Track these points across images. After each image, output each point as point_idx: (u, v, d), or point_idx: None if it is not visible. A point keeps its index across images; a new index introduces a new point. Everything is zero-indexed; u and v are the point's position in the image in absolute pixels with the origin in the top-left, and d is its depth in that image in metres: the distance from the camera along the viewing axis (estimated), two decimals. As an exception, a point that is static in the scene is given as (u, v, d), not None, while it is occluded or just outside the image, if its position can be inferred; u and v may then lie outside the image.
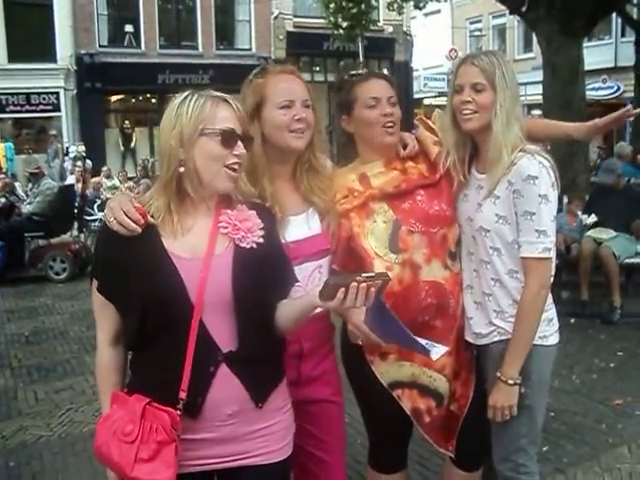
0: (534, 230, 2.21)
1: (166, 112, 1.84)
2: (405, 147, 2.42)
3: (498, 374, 2.26)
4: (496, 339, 2.33)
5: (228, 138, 1.82)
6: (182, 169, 1.80)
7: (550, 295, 2.35)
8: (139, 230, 1.80)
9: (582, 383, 4.90)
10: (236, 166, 1.84)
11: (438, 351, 2.01)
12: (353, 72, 2.44)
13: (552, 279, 2.33)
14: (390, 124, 2.33)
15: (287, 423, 1.98)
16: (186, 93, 1.85)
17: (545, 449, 3.81)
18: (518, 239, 2.25)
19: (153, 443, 1.72)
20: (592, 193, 7.48)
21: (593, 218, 6.85)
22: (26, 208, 9.70)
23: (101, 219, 11.86)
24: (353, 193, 2.35)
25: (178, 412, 1.75)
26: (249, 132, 1.92)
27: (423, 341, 2.04)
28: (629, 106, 2.49)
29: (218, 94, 1.86)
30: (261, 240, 1.88)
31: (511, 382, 2.25)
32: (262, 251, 1.87)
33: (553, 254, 2.25)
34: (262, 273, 1.85)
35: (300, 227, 2.23)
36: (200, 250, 1.82)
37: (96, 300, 1.91)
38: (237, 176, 1.87)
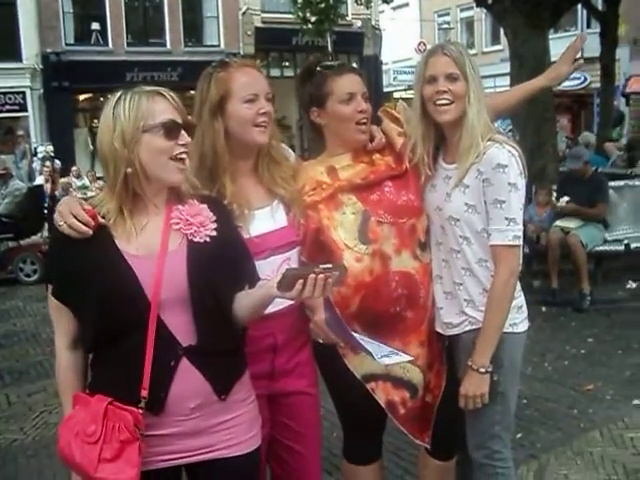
0: (504, 218, 2.23)
1: (102, 115, 1.83)
2: (372, 140, 2.42)
3: (469, 363, 2.28)
4: (467, 328, 2.35)
5: (170, 129, 1.81)
6: (129, 169, 1.79)
7: (519, 283, 2.38)
8: (90, 232, 1.79)
9: (554, 370, 4.97)
10: (183, 155, 1.85)
11: (398, 359, 2.05)
12: (325, 63, 2.41)
13: (521, 267, 2.36)
14: (364, 120, 2.33)
15: (252, 414, 1.99)
16: (119, 93, 1.84)
17: (519, 436, 3.86)
18: (488, 227, 2.27)
19: (116, 442, 1.72)
20: (560, 181, 7.59)
21: (565, 199, 6.94)
22: None
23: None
24: (321, 185, 2.35)
25: (140, 410, 1.75)
26: (189, 120, 1.91)
27: (388, 348, 2.07)
28: (581, 33, 2.57)
29: (150, 88, 1.85)
30: (214, 233, 1.88)
31: (482, 370, 2.26)
32: (216, 244, 1.87)
33: (521, 241, 2.28)
34: (217, 266, 1.86)
35: (265, 220, 2.23)
36: (154, 248, 1.82)
37: (52, 304, 1.90)
38: (185, 167, 1.87)
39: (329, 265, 1.77)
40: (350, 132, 2.35)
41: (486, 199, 2.26)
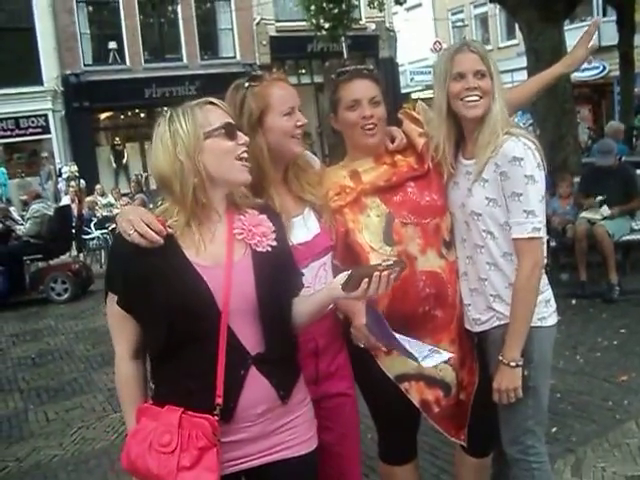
0: (522, 211, 2.24)
1: (157, 136, 1.85)
2: (393, 141, 2.44)
3: (500, 357, 2.28)
4: (496, 324, 2.36)
5: (230, 130, 1.86)
6: (196, 179, 1.81)
7: (545, 276, 2.38)
8: (161, 241, 1.80)
9: (586, 362, 4.93)
10: (245, 155, 1.89)
11: (439, 358, 2.05)
12: (340, 70, 2.45)
13: (548, 260, 2.36)
14: (370, 126, 2.35)
15: (309, 415, 2.03)
16: (168, 113, 1.86)
17: (554, 430, 3.84)
18: (508, 221, 2.28)
19: (194, 450, 1.74)
20: (585, 174, 7.49)
21: (607, 210, 6.80)
22: (20, 231, 9.74)
23: (99, 237, 11.96)
24: (345, 190, 2.38)
25: (216, 417, 1.77)
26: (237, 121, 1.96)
27: (428, 347, 2.08)
28: (596, 18, 2.58)
29: (199, 100, 1.89)
30: (274, 243, 1.93)
31: (513, 364, 2.27)
32: (276, 254, 1.92)
33: (543, 233, 2.28)
34: (279, 275, 1.90)
35: (301, 229, 2.26)
36: (220, 258, 1.84)
37: (114, 314, 1.90)
38: (249, 166, 1.91)
39: (390, 261, 1.85)
40: (357, 137, 2.39)
41: (504, 192, 2.27)
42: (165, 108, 1.93)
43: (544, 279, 2.38)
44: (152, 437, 1.77)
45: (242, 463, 1.89)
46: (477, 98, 2.29)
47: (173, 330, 1.80)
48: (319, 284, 2.21)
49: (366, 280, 1.78)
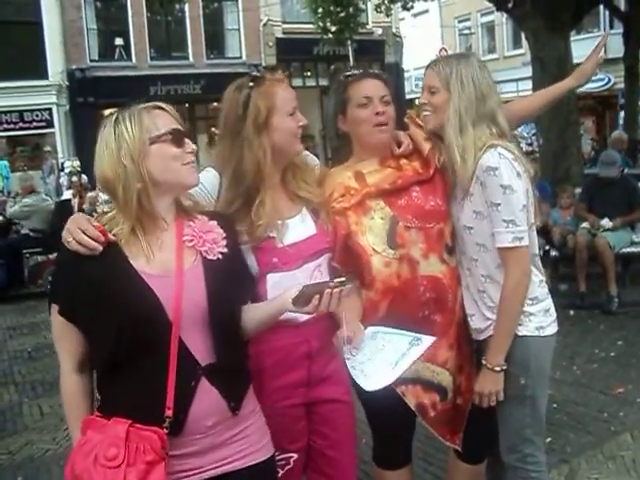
0: (502, 220, 2.24)
1: (101, 138, 1.82)
2: (399, 145, 2.44)
3: (483, 361, 2.31)
4: (491, 333, 2.36)
5: (177, 137, 1.82)
6: (139, 184, 1.77)
7: (546, 285, 2.39)
8: (100, 248, 1.76)
9: (583, 373, 4.93)
10: (193, 163, 1.85)
11: (424, 345, 2.14)
12: (348, 73, 2.46)
13: (548, 270, 2.36)
14: (382, 122, 2.36)
15: (260, 424, 1.99)
16: (114, 115, 1.83)
17: (549, 440, 3.83)
18: (492, 231, 2.28)
19: (142, 464, 1.68)
20: (587, 185, 7.48)
21: (608, 223, 6.79)
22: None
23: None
24: (350, 191, 2.37)
25: (165, 430, 1.73)
26: (187, 130, 1.92)
27: (408, 338, 2.15)
28: (605, 33, 2.60)
29: (147, 104, 1.85)
30: (225, 250, 1.89)
31: (497, 369, 2.29)
32: (227, 261, 1.89)
33: (525, 242, 2.26)
34: (230, 283, 1.86)
35: (296, 229, 2.25)
36: (169, 266, 1.80)
37: (57, 326, 1.86)
38: (194, 168, 1.87)
39: (342, 278, 1.88)
40: (369, 134, 2.38)
41: (486, 203, 2.27)
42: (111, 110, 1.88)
43: (544, 288, 2.38)
44: (98, 450, 1.70)
45: (193, 475, 1.83)
46: (427, 113, 2.38)
47: (121, 341, 1.74)
48: None
49: (317, 297, 1.81)
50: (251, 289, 2.01)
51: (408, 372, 2.34)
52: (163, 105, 1.86)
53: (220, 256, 1.87)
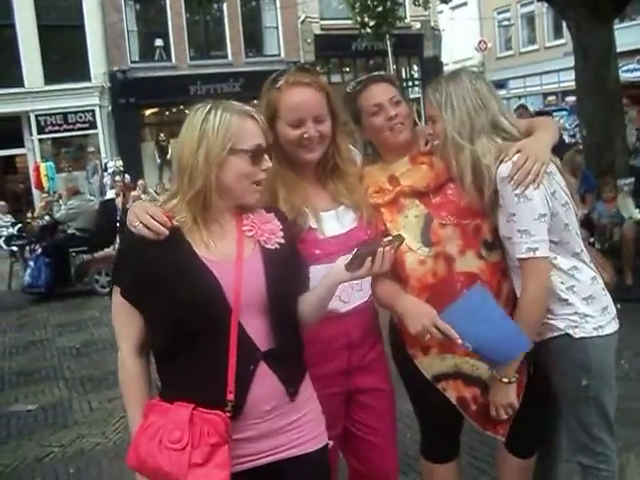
0: (516, 230, 2.18)
1: (187, 126, 1.84)
2: (427, 143, 2.43)
3: (494, 372, 2.29)
4: (549, 335, 2.32)
5: (257, 155, 1.84)
6: (200, 181, 1.80)
7: (600, 282, 2.35)
8: (166, 232, 1.80)
9: (631, 367, 4.85)
10: (262, 179, 1.89)
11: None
12: (354, 83, 2.47)
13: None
14: (398, 125, 2.35)
15: (318, 411, 2.01)
16: (208, 106, 1.84)
17: (597, 435, 3.78)
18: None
19: (206, 446, 1.72)
20: (638, 175, 7.35)
21: None
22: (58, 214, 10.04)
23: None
24: (384, 190, 2.39)
25: (228, 414, 1.76)
26: (270, 140, 1.93)
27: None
28: None
29: (242, 109, 1.86)
30: (283, 241, 1.93)
31: (505, 380, 2.27)
32: (285, 251, 1.92)
33: (541, 253, 2.18)
34: (287, 272, 1.90)
35: (332, 223, 2.27)
36: (229, 254, 1.84)
37: (119, 308, 1.89)
38: (261, 188, 1.91)
39: (390, 237, 1.91)
40: (388, 139, 2.39)
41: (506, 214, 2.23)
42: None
43: (598, 285, 2.33)
44: (162, 433, 1.74)
45: (250, 461, 1.87)
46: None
47: (182, 325, 1.78)
48: None
49: (369, 258, 1.82)
50: (307, 281, 2.01)
51: (448, 368, 2.37)
52: (255, 114, 1.86)
53: (278, 246, 1.91)
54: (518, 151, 2.19)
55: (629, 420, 4.00)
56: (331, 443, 2.28)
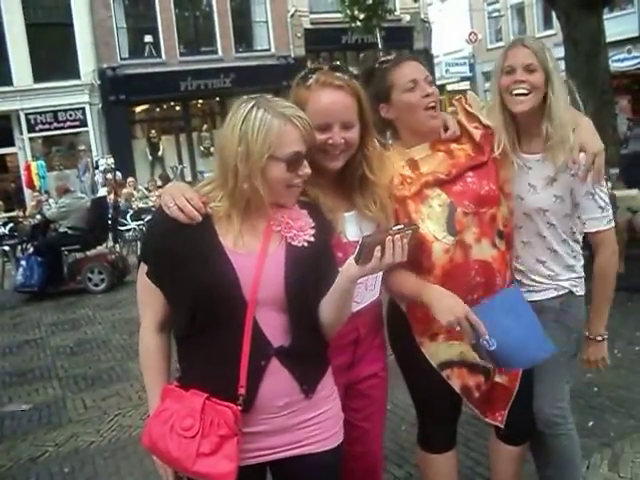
0: (598, 207, 2.40)
1: (229, 121, 1.81)
2: (446, 129, 2.41)
3: (587, 333, 2.52)
4: (552, 295, 2.51)
5: (295, 162, 1.81)
6: (246, 186, 1.79)
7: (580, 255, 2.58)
8: (199, 218, 1.80)
9: (624, 356, 4.85)
10: (300, 185, 1.86)
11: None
12: (383, 59, 2.42)
13: (586, 253, 2.55)
14: (432, 104, 2.31)
15: (336, 410, 2.00)
16: (251, 103, 1.80)
17: (591, 424, 3.79)
18: (581, 216, 2.43)
19: (215, 437, 1.74)
20: (625, 165, 7.37)
21: None
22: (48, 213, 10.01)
23: (135, 228, 12.11)
24: (406, 180, 2.34)
25: (239, 407, 1.76)
26: (313, 143, 1.87)
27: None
28: None
29: (284, 112, 1.80)
30: (312, 239, 1.89)
31: (599, 338, 2.51)
32: (313, 250, 1.87)
33: (613, 223, 2.46)
34: (312, 271, 1.85)
35: (354, 226, 2.20)
36: (254, 247, 1.83)
37: (143, 285, 1.91)
38: (299, 191, 1.88)
39: (400, 225, 1.77)
40: (421, 120, 2.33)
41: (576, 192, 2.38)
42: (245, 97, 1.85)
43: (581, 258, 2.56)
44: (174, 419, 1.77)
45: (264, 455, 1.87)
46: (525, 91, 2.31)
47: (197, 312, 1.79)
48: (371, 281, 2.14)
49: (378, 248, 1.69)
50: (334, 281, 1.90)
51: (454, 355, 2.40)
52: (296, 121, 1.80)
53: (306, 244, 1.87)
54: (581, 150, 2.31)
55: (622, 409, 4.02)
56: None
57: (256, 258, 1.81)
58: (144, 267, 1.89)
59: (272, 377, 1.82)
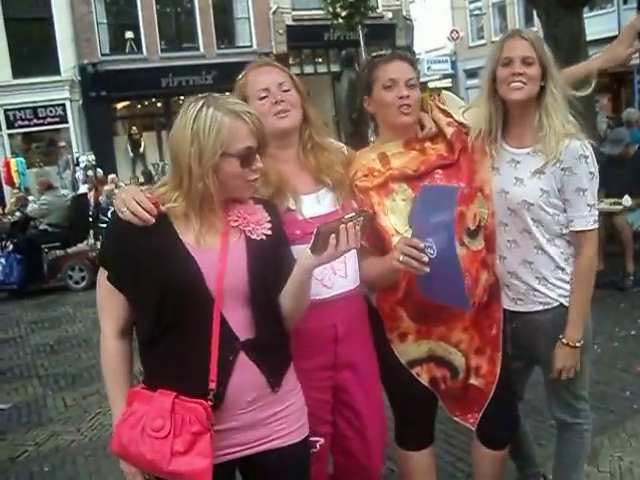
0: (586, 205, 2.36)
1: (179, 122, 1.83)
2: (423, 128, 2.45)
3: (561, 338, 2.41)
4: (539, 308, 2.45)
5: (248, 157, 1.83)
6: (200, 185, 1.80)
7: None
8: (152, 220, 1.81)
9: (604, 352, 4.89)
10: (255, 178, 1.88)
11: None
12: (379, 53, 2.48)
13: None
14: (405, 106, 2.35)
15: (300, 404, 2.02)
16: (200, 102, 1.82)
17: (570, 419, 3.82)
18: (568, 214, 2.38)
19: (188, 434, 1.74)
20: (602, 165, 7.42)
21: (628, 201, 6.67)
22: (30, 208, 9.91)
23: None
24: (373, 172, 2.38)
25: (210, 403, 1.77)
26: (264, 138, 1.90)
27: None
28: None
29: (234, 108, 1.83)
30: (270, 232, 1.93)
31: (577, 345, 2.40)
32: (270, 242, 1.92)
33: (597, 224, 2.42)
34: (272, 263, 1.90)
35: (313, 205, 2.26)
36: (214, 242, 1.85)
37: (103, 290, 1.91)
38: (254, 185, 1.91)
39: (352, 214, 1.85)
40: (393, 116, 2.38)
41: (565, 187, 2.35)
42: (185, 96, 1.90)
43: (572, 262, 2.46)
44: (144, 421, 1.76)
45: (233, 453, 1.89)
46: (521, 85, 2.33)
47: (163, 311, 1.80)
48: (340, 262, 2.18)
49: (333, 236, 1.77)
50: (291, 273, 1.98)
51: (423, 353, 2.41)
52: (246, 117, 1.83)
53: (264, 237, 1.92)
54: None
55: (602, 404, 4.05)
56: (322, 441, 2.28)
57: (218, 253, 1.83)
58: (104, 272, 1.89)
59: (240, 371, 1.84)
